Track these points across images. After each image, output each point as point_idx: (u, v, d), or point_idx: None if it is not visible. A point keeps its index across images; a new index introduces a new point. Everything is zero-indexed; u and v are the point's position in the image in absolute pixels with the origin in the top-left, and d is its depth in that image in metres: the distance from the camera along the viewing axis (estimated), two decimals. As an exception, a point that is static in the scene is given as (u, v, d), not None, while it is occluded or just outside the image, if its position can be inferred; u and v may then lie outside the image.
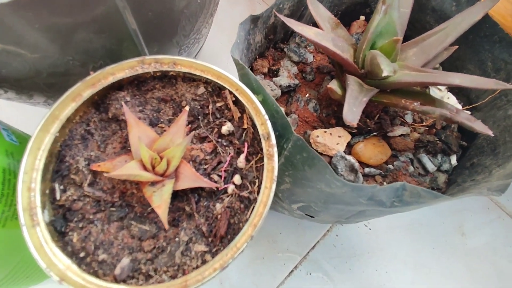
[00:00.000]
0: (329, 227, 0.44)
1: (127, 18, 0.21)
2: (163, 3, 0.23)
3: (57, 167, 0.22)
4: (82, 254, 0.20)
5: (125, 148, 0.23)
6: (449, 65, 0.33)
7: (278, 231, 0.43)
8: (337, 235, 0.43)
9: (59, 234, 0.20)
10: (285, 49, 0.34)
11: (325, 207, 0.29)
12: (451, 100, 0.32)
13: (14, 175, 0.22)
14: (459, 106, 0.33)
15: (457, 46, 0.28)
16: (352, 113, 0.22)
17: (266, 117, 0.21)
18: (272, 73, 0.33)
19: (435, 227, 0.45)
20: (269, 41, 0.33)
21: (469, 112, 0.33)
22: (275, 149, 0.21)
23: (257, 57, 0.33)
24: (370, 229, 0.44)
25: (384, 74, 0.22)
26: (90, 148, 0.23)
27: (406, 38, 0.28)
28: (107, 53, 0.23)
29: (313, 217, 0.34)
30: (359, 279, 0.42)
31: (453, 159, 0.31)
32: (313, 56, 0.34)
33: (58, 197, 0.21)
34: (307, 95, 0.32)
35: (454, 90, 0.33)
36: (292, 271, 0.42)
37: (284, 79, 0.32)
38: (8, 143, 0.22)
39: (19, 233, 0.22)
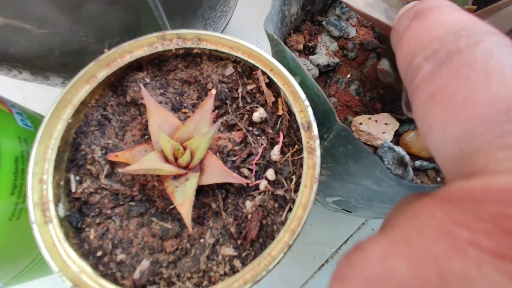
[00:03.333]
0: (364, 220, 0.40)
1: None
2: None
3: (73, 156, 0.20)
4: (99, 253, 0.18)
5: (145, 135, 0.21)
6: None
7: (309, 222, 0.40)
8: (373, 229, 0.40)
9: (75, 230, 0.19)
10: (324, 23, 0.30)
11: (368, 204, 0.25)
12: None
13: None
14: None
15: (543, 15, 0.23)
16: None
17: (307, 103, 0.18)
18: (308, 50, 0.29)
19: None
20: (306, 13, 0.29)
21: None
22: (318, 141, 0.17)
23: (292, 31, 0.29)
24: (410, 224, 0.40)
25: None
26: (108, 135, 0.21)
27: (476, 8, 0.23)
28: (124, 28, 0.21)
29: (350, 212, 0.31)
30: (396, 277, 0.38)
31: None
32: (356, 30, 0.30)
33: (73, 189, 0.19)
34: (349, 75, 0.28)
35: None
36: (322, 265, 0.39)
37: (322, 57, 0.28)
38: (21, 128, 0.21)
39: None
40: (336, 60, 0.28)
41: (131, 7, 0.19)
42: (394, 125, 0.26)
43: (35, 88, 0.43)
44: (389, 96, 0.27)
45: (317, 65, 0.27)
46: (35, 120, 0.23)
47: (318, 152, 0.17)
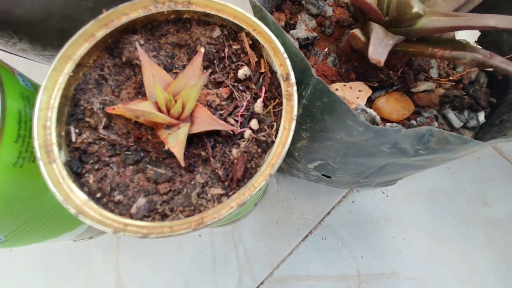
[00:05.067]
0: (345, 193, 0.43)
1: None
2: None
3: (72, 111, 0.22)
4: (98, 195, 0.20)
5: (139, 93, 0.23)
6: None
7: (293, 197, 0.42)
8: (353, 202, 0.42)
9: (76, 176, 0.20)
10: (303, 2, 0.32)
11: (344, 162, 0.28)
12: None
13: (30, 119, 0.22)
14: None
15: (491, -10, 0.26)
16: (377, 52, 0.21)
17: (285, 55, 0.20)
18: (289, 27, 0.32)
19: (456, 196, 0.43)
20: (286, -7, 0.32)
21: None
22: (295, 88, 0.20)
23: (274, 10, 0.32)
24: (387, 196, 0.43)
25: (414, 10, 0.21)
26: (105, 93, 0.22)
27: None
28: (120, -5, 0.23)
29: (330, 177, 0.33)
30: (375, 245, 0.41)
31: (481, 116, 0.29)
32: (333, 10, 0.33)
33: (73, 139, 0.21)
34: (326, 49, 0.31)
35: (485, 44, 0.31)
36: (306, 236, 0.41)
37: (301, 31, 0.30)
38: (23, 87, 0.22)
39: (37, 178, 0.23)
40: (315, 34, 0.31)
41: (126, -27, 0.21)
42: (367, 92, 0.29)
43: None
44: (362, 67, 0.30)
45: (297, 39, 0.30)
46: (33, 84, 0.25)
47: (295, 97, 0.19)
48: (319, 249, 0.41)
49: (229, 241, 0.41)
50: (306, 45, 0.31)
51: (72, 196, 0.18)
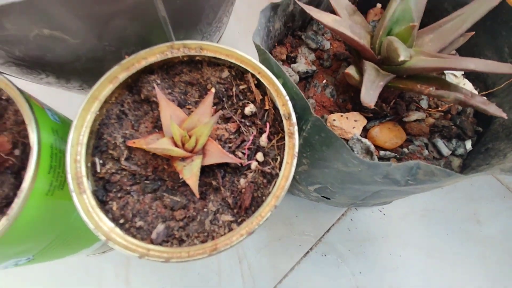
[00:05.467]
0: (344, 211, 0.45)
1: (158, 6, 0.23)
2: (192, -8, 0.24)
3: (97, 144, 0.24)
4: (121, 221, 0.22)
5: (156, 127, 0.25)
6: (465, 51, 0.34)
7: (295, 214, 0.45)
8: (351, 219, 0.45)
9: (101, 203, 0.23)
10: (303, 37, 0.35)
11: (341, 187, 0.30)
12: (467, 86, 0.33)
13: (59, 150, 0.24)
14: (475, 92, 0.33)
15: (474, 32, 0.29)
16: (369, 95, 0.23)
17: (287, 98, 0.23)
18: (290, 60, 0.34)
19: (449, 214, 0.45)
20: (288, 29, 0.35)
21: (485, 98, 0.33)
22: (296, 127, 0.22)
23: (276, 44, 0.35)
24: (384, 214, 0.45)
25: (401, 59, 0.23)
26: (125, 127, 0.25)
27: (423, 25, 0.29)
28: (139, 39, 0.25)
29: (329, 198, 0.36)
30: (373, 262, 0.43)
31: (468, 144, 0.32)
32: (330, 43, 0.35)
33: (98, 170, 0.23)
34: (324, 81, 0.34)
35: (471, 76, 0.34)
36: (307, 252, 0.43)
37: (302, 65, 0.33)
38: (52, 121, 0.25)
39: (64, 202, 0.25)
40: (314, 68, 0.33)
41: (146, 22, 0.24)
42: (362, 121, 0.32)
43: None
44: (358, 98, 0.33)
45: (298, 72, 0.33)
46: (59, 116, 0.28)
47: (296, 135, 0.22)
48: (320, 265, 0.43)
49: (234, 257, 0.43)
50: (306, 77, 0.34)
51: (101, 224, 0.20)
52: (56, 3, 0.18)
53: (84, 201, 0.21)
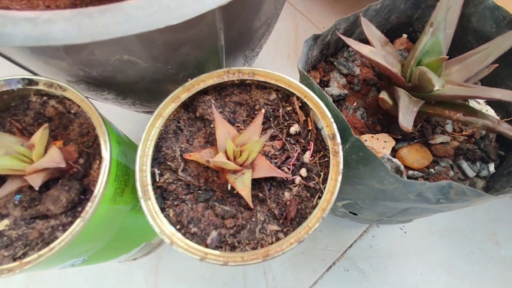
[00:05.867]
0: (366, 228, 0.46)
1: (219, 37, 0.26)
2: (246, 24, 0.28)
3: (156, 155, 0.27)
4: (178, 227, 0.24)
5: (208, 142, 0.28)
6: (488, 81, 0.36)
7: (318, 229, 0.46)
8: (373, 236, 0.46)
9: (160, 210, 0.25)
10: (335, 63, 0.38)
11: (372, 204, 0.32)
12: (490, 112, 0.35)
13: (121, 161, 0.27)
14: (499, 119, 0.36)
15: (497, 65, 0.31)
16: (406, 120, 0.26)
17: (332, 120, 0.25)
18: (323, 84, 0.37)
19: (469, 235, 0.46)
20: (322, 55, 0.38)
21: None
22: (340, 147, 0.24)
23: (310, 69, 0.38)
24: (405, 232, 0.46)
25: (436, 88, 0.26)
26: (180, 141, 0.28)
27: (449, 56, 0.32)
28: (196, 64, 0.28)
29: (356, 214, 0.38)
30: (394, 279, 0.44)
31: (491, 167, 0.34)
32: (360, 69, 0.38)
33: (157, 179, 0.26)
34: (355, 104, 0.36)
35: (492, 103, 0.36)
36: (330, 266, 0.45)
37: (335, 89, 0.36)
38: (116, 135, 0.28)
39: (121, 208, 0.27)
40: (345, 91, 0.36)
41: (206, 50, 0.27)
42: (391, 142, 0.34)
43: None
44: (387, 121, 0.35)
45: (331, 95, 0.35)
46: (118, 130, 0.30)
47: (341, 154, 0.24)
48: (342, 280, 0.44)
49: (259, 269, 0.44)
50: (338, 100, 0.36)
51: (164, 228, 0.23)
52: (141, 37, 0.21)
53: (149, 206, 0.23)
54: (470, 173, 0.33)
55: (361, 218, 0.39)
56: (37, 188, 0.24)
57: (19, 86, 0.26)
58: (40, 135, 0.25)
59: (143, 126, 0.25)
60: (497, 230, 0.47)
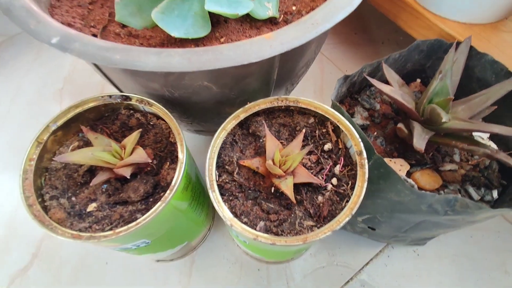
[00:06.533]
0: (382, 247, 0.51)
1: (273, 73, 0.34)
2: (293, 65, 0.36)
3: (216, 160, 0.34)
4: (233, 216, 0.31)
5: (257, 153, 0.35)
6: (490, 119, 0.42)
7: (338, 246, 0.51)
8: (388, 256, 0.50)
9: (221, 200, 0.31)
10: (359, 99, 0.45)
11: (390, 216, 0.38)
12: (492, 146, 0.41)
13: (187, 163, 0.34)
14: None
15: (496, 107, 0.38)
16: (419, 143, 0.32)
17: (360, 139, 0.32)
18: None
19: (479, 262, 0.50)
20: (348, 92, 0.45)
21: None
22: (366, 161, 0.31)
23: (338, 102, 0.45)
24: (418, 254, 0.50)
25: (443, 120, 0.32)
26: (235, 151, 0.35)
27: (456, 98, 0.39)
28: (252, 91, 0.36)
29: (374, 229, 0.43)
30: (408, 297, 0.48)
31: (495, 193, 0.39)
32: (380, 105, 0.45)
33: (217, 179, 0.32)
34: (375, 133, 0.43)
35: (495, 139, 0.42)
36: (348, 281, 0.49)
37: (358, 120, 0.43)
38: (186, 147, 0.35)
39: (182, 203, 0.34)
40: (367, 122, 0.43)
41: (262, 81, 0.35)
42: (406, 167, 0.40)
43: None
44: (402, 148, 0.41)
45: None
46: (182, 140, 0.38)
47: (366, 166, 0.30)
48: (359, 295, 0.48)
49: (282, 278, 0.49)
50: (362, 129, 0.43)
51: (224, 213, 0.29)
52: (222, 69, 0.29)
53: (214, 196, 0.30)
54: (476, 197, 0.38)
55: (378, 235, 0.44)
56: (128, 177, 0.31)
57: (118, 100, 0.35)
58: (133, 138, 0.32)
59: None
60: (506, 260, 0.50)
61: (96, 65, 0.31)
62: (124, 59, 0.25)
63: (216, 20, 0.38)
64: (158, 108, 0.34)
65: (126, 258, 0.50)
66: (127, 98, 0.35)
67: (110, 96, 0.35)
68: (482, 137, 0.42)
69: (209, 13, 0.34)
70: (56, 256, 0.51)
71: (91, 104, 0.34)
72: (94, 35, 0.36)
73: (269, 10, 0.38)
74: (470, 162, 0.41)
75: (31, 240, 0.53)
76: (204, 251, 0.51)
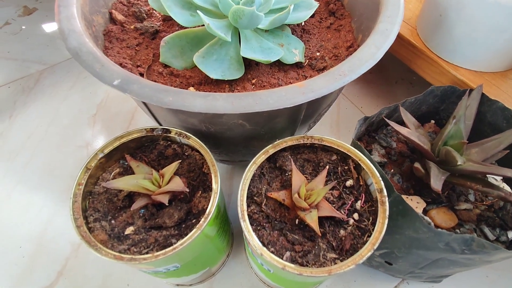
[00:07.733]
0: (397, 283, 0.51)
1: (301, 113, 0.37)
2: (318, 106, 0.39)
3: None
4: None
5: (283, 186, 0.37)
6: (502, 163, 0.45)
7: (353, 279, 0.52)
8: (404, 292, 0.51)
9: (251, 229, 0.34)
10: (376, 137, 0.48)
11: (407, 252, 0.39)
12: (506, 188, 0.43)
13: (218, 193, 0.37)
14: (513, 194, 0.43)
15: (508, 151, 0.40)
16: (436, 184, 0.34)
17: (380, 178, 0.34)
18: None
19: (495, 303, 0.50)
20: (367, 131, 0.48)
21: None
22: (386, 198, 0.33)
23: (356, 140, 0.48)
24: (434, 292, 0.51)
25: (459, 163, 0.35)
26: (263, 183, 0.37)
27: (469, 141, 0.41)
28: (280, 129, 0.40)
29: (391, 264, 0.44)
30: (424, 336, 0.48)
31: (510, 234, 0.40)
32: (396, 144, 0.48)
33: (249, 209, 0.35)
34: (392, 170, 0.45)
35: (509, 181, 0.44)
36: (364, 316, 0.49)
37: (376, 157, 0.45)
38: (217, 173, 0.38)
39: (211, 229, 0.36)
40: (385, 160, 0.45)
41: (289, 121, 0.38)
42: (423, 204, 0.42)
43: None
44: (418, 186, 0.44)
45: (374, 162, 0.45)
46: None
47: (387, 204, 0.33)
48: (374, 330, 0.48)
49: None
50: (380, 166, 0.45)
51: (255, 242, 0.31)
52: (258, 112, 0.33)
53: (247, 226, 0.32)
54: (491, 237, 0.39)
55: (395, 270, 0.45)
56: (166, 203, 0.34)
57: (159, 133, 0.38)
58: (172, 168, 0.36)
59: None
60: (523, 302, 0.50)
61: (144, 102, 0.35)
62: (175, 100, 0.29)
63: (248, 63, 0.42)
64: (194, 141, 0.38)
65: (148, 281, 0.52)
66: (168, 131, 0.38)
67: (153, 130, 0.39)
68: (496, 178, 0.44)
69: (243, 57, 0.39)
70: (80, 275, 0.53)
71: (135, 135, 0.38)
72: (141, 74, 0.41)
73: (296, 56, 0.42)
74: (484, 202, 0.42)
75: (57, 259, 0.55)
76: (223, 277, 0.52)
